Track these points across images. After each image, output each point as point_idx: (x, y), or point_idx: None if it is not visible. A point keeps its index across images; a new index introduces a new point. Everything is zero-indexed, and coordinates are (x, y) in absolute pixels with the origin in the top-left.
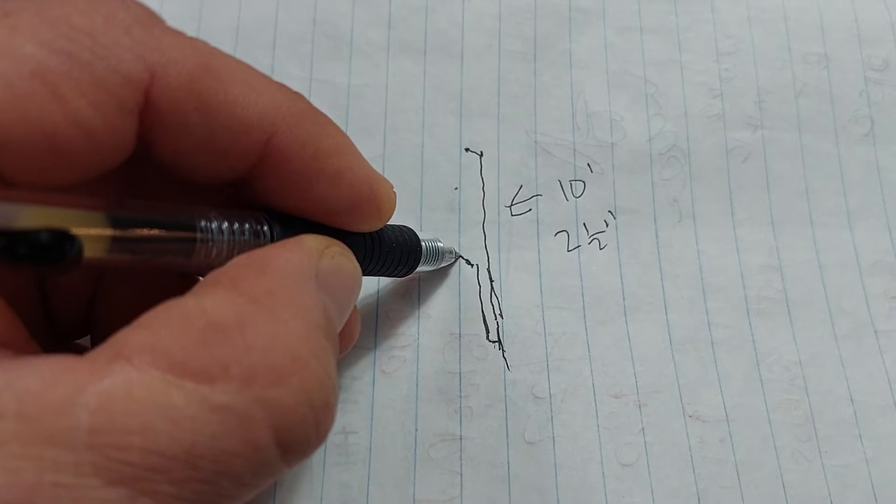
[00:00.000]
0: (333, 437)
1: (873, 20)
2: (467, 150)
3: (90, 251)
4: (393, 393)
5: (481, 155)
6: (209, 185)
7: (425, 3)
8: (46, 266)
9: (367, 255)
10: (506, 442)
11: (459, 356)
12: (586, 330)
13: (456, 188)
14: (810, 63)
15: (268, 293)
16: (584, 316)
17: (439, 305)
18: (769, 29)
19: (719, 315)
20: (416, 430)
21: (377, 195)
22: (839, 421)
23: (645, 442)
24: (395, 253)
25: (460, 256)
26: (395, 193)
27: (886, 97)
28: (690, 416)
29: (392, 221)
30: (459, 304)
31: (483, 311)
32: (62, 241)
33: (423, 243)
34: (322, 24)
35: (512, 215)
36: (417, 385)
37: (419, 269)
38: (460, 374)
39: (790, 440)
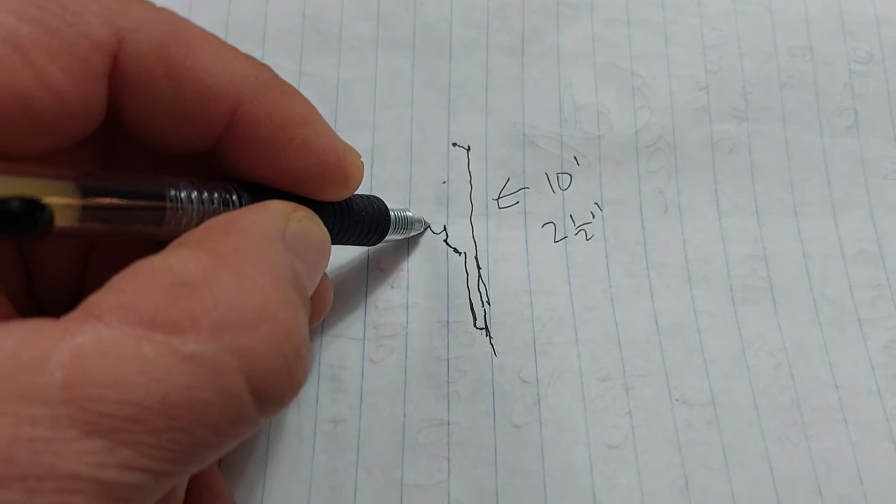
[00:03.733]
0: (322, 425)
1: (858, 13)
2: (455, 144)
3: (62, 220)
4: (382, 380)
5: (468, 149)
6: (180, 156)
7: None
8: (17, 234)
9: (336, 224)
10: (493, 426)
11: (447, 343)
12: (573, 314)
13: (444, 182)
14: (795, 56)
15: (233, 250)
16: (572, 301)
17: (427, 294)
18: (755, 22)
19: (705, 303)
20: (405, 415)
21: (345, 164)
22: (824, 406)
23: (632, 424)
24: (364, 222)
25: (428, 226)
26: (362, 163)
27: (870, 90)
28: (677, 400)
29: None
30: (447, 293)
31: (470, 299)
32: (33, 210)
33: (391, 213)
34: (312, 18)
35: (499, 208)
36: (406, 372)
37: (388, 237)
38: (448, 360)
39: (776, 424)
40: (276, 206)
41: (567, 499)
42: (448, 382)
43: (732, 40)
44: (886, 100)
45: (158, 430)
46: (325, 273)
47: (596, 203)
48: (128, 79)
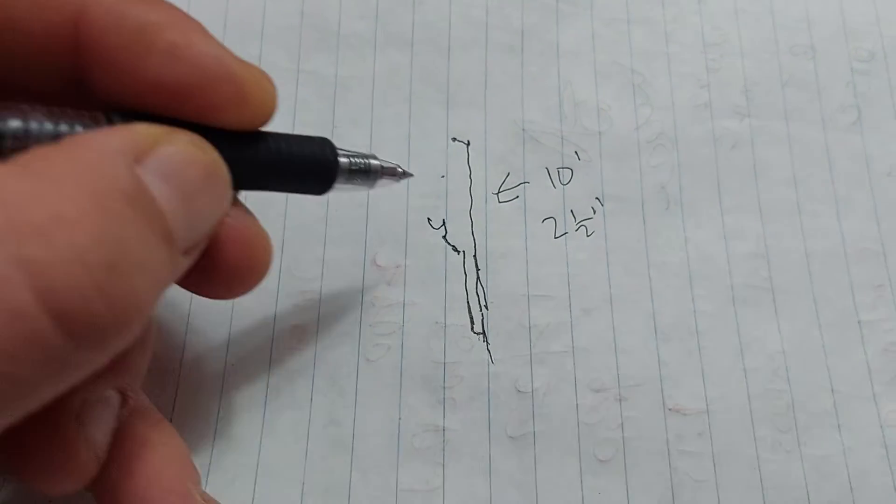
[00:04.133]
0: (319, 422)
1: (859, 13)
2: (454, 139)
3: None
4: (377, 381)
5: (468, 144)
6: (46, 86)
7: None
8: None
9: (244, 160)
10: (488, 435)
11: (445, 346)
12: (571, 320)
13: (443, 176)
14: (797, 55)
15: (43, 161)
16: (570, 305)
17: (425, 293)
18: (756, 21)
19: (705, 303)
20: (400, 418)
21: (234, 76)
22: (819, 411)
23: (623, 437)
24: (290, 162)
25: (410, 175)
26: (273, 86)
27: (873, 88)
28: (670, 409)
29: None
30: (445, 293)
31: (468, 302)
32: None
33: (342, 157)
34: (310, 16)
35: (499, 202)
36: (401, 374)
37: (345, 187)
38: (445, 364)
39: (770, 430)
40: (138, 128)
41: None
42: (444, 388)
43: (733, 39)
44: (889, 98)
45: None
46: (253, 227)
47: (597, 198)
48: None
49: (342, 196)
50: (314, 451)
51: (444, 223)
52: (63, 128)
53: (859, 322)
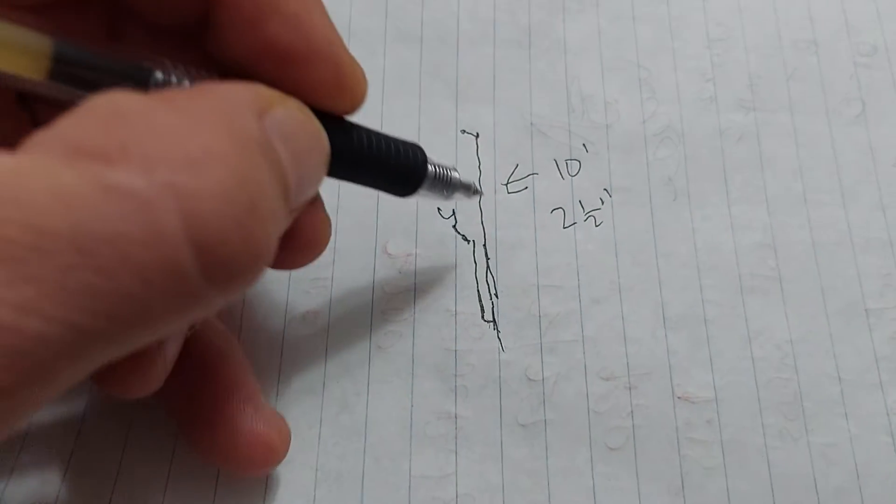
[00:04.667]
0: (332, 409)
1: (861, 9)
2: (463, 131)
3: (27, 72)
4: (388, 368)
5: (477, 136)
6: (174, 30)
7: None
8: None
9: (343, 146)
10: (500, 423)
11: (456, 334)
12: (580, 308)
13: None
14: (800, 49)
15: (189, 98)
16: (579, 294)
17: (435, 281)
18: (759, 16)
19: (713, 292)
20: (412, 406)
21: (338, 60)
22: (826, 399)
23: (633, 425)
24: (384, 159)
25: (480, 192)
26: (365, 79)
27: (876, 81)
28: (679, 398)
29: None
30: (456, 282)
31: (479, 291)
32: None
33: (431, 165)
34: None
35: (508, 193)
36: (413, 361)
37: (425, 194)
38: (456, 352)
39: (778, 419)
40: (262, 88)
41: (569, 498)
42: (456, 376)
43: (737, 34)
44: (893, 90)
45: (68, 267)
46: (323, 208)
47: (605, 189)
48: None
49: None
50: (327, 437)
51: (453, 213)
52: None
53: (866, 310)
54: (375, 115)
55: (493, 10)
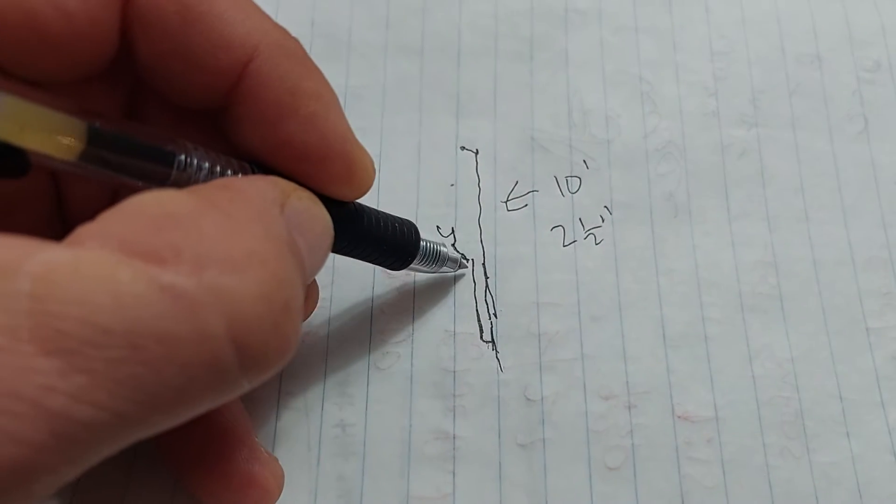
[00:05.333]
0: (330, 429)
1: (864, 23)
2: (463, 148)
3: (60, 153)
4: (387, 388)
5: (477, 153)
6: (191, 111)
7: (422, 4)
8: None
9: (344, 228)
10: (498, 443)
11: (454, 354)
12: (580, 327)
13: (452, 184)
14: (803, 63)
15: (228, 200)
16: (579, 312)
17: (434, 302)
18: (762, 30)
19: (713, 310)
20: (411, 426)
21: (350, 156)
22: (827, 418)
23: (632, 445)
24: (383, 238)
25: (466, 267)
26: (374, 169)
27: (879, 97)
28: (679, 417)
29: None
30: (454, 302)
31: (477, 310)
32: (14, 156)
33: (423, 242)
34: (320, 25)
35: (508, 210)
36: (412, 381)
37: (415, 267)
38: (454, 372)
39: (779, 437)
40: (279, 180)
41: None
42: (454, 395)
43: (741, 48)
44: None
45: (120, 361)
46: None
47: (605, 206)
48: (140, 12)
49: None
50: (325, 458)
51: (452, 231)
52: (217, 169)
53: (867, 329)
54: (375, 130)
55: (495, 22)
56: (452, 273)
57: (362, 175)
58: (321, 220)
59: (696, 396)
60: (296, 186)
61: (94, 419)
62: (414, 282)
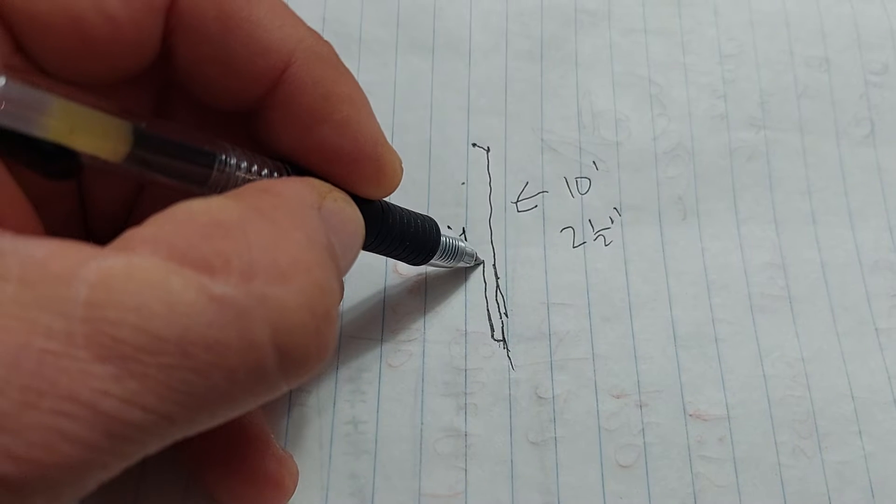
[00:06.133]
0: (342, 427)
1: (873, 26)
2: (474, 145)
3: (107, 154)
4: (399, 386)
5: (488, 150)
6: (224, 121)
7: (433, 2)
8: (47, 173)
9: (372, 226)
10: (510, 441)
11: (466, 352)
12: (591, 327)
13: (463, 183)
14: (811, 66)
15: (271, 206)
16: (590, 312)
17: (446, 301)
18: (771, 32)
19: (723, 311)
20: (422, 424)
21: (381, 158)
22: (839, 417)
23: (644, 443)
24: (406, 235)
25: (481, 262)
26: (402, 168)
27: (886, 100)
28: (691, 415)
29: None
30: (465, 301)
31: (488, 310)
32: (66, 157)
33: (443, 238)
34: (331, 22)
35: (518, 211)
36: (423, 379)
37: (435, 262)
38: (466, 370)
39: (791, 436)
40: (315, 182)
41: None
42: (466, 393)
43: (749, 50)
44: None
45: (171, 367)
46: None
47: (615, 208)
48: (182, 18)
49: None
50: (337, 456)
51: (463, 231)
52: (254, 169)
53: (877, 330)
54: (386, 127)
55: (506, 21)
56: (469, 266)
57: (391, 175)
58: (354, 221)
59: (707, 396)
60: (331, 187)
61: (145, 421)
62: (425, 281)
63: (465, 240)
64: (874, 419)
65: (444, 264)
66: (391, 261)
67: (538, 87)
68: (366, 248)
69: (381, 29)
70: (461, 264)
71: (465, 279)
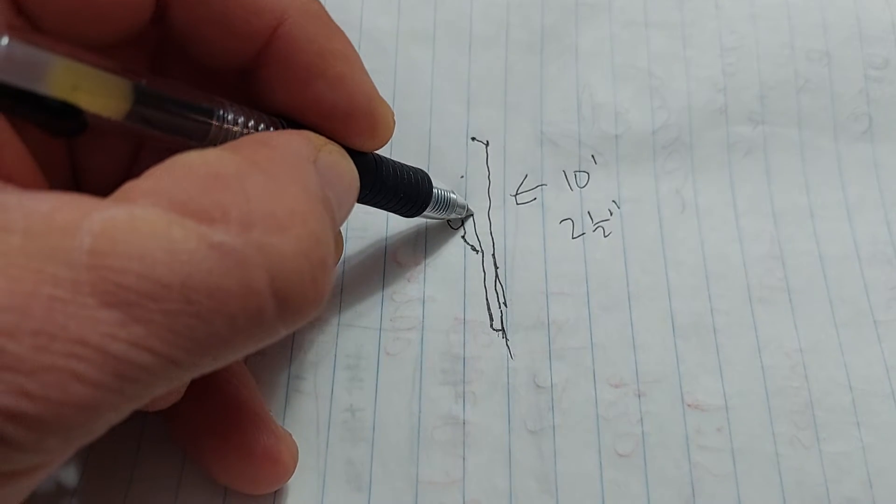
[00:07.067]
0: (340, 414)
1: (875, 19)
2: (473, 139)
3: (109, 113)
4: (397, 374)
5: (487, 144)
6: (218, 77)
7: None
8: (54, 131)
9: (367, 179)
10: (507, 429)
11: (464, 341)
12: (590, 316)
13: (462, 176)
14: (812, 60)
15: (267, 159)
16: (588, 302)
17: (444, 289)
18: (772, 25)
19: (722, 302)
20: (420, 411)
21: (374, 112)
22: (837, 408)
23: (642, 432)
24: (400, 186)
25: (471, 214)
26: (394, 121)
27: (885, 95)
28: (689, 405)
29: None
30: (464, 290)
31: (487, 299)
32: (73, 114)
33: (435, 189)
34: (332, 10)
35: (517, 203)
36: (422, 367)
37: (428, 214)
38: (464, 358)
39: (789, 427)
40: (310, 135)
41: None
42: (464, 382)
43: (750, 43)
44: None
45: (174, 312)
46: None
47: (613, 201)
48: None
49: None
50: (335, 442)
51: (462, 223)
52: (250, 123)
53: (875, 322)
54: None
55: (506, 12)
56: (460, 217)
57: (385, 128)
58: (349, 173)
59: (705, 385)
60: (326, 140)
61: (151, 363)
62: (424, 270)
63: (465, 235)
64: (872, 410)
65: (437, 216)
66: (389, 251)
67: (538, 79)
68: (360, 200)
69: (382, 17)
70: (453, 215)
71: (464, 268)
